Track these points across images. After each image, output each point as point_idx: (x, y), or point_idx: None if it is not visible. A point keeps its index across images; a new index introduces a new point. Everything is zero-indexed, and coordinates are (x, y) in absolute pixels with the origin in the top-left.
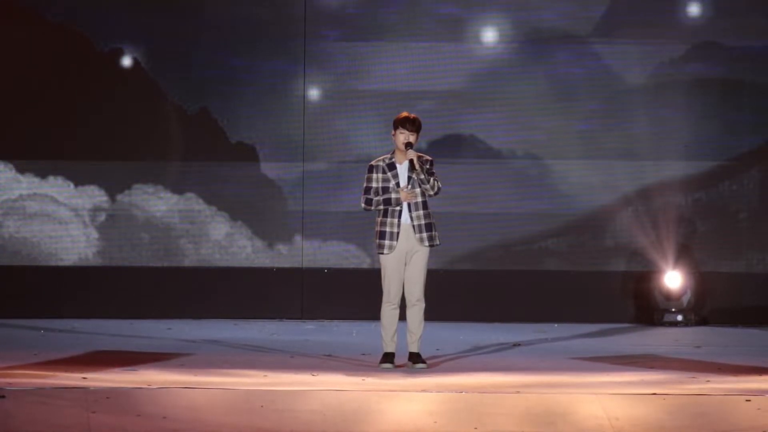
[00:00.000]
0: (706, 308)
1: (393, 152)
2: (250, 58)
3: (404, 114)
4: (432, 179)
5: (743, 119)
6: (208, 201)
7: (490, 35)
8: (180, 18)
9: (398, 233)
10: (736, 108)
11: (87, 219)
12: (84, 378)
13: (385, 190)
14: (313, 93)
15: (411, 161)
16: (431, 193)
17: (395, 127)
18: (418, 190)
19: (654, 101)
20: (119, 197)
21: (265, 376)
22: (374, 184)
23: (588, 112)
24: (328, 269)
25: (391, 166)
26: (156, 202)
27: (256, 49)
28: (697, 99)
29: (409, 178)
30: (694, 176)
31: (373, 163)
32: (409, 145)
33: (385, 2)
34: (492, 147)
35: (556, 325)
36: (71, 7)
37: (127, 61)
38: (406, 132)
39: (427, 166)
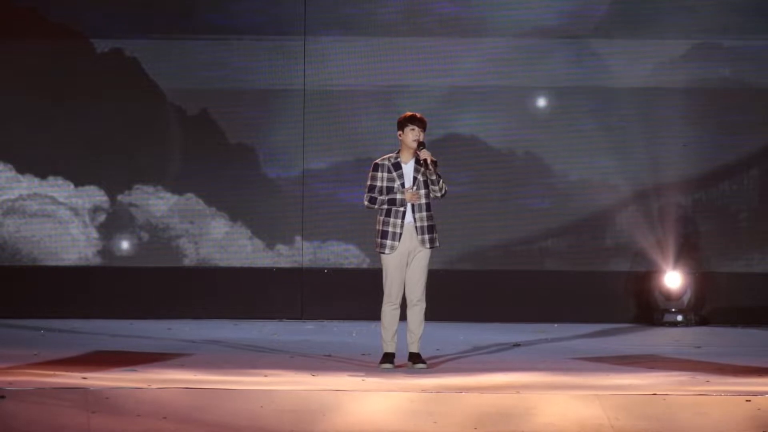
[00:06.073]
0: (706, 308)
1: (398, 151)
2: (250, 58)
3: (410, 113)
4: (441, 181)
5: (743, 119)
6: (208, 201)
7: (490, 34)
8: (180, 18)
9: (401, 234)
10: (736, 108)
11: (87, 219)
12: (84, 378)
13: (390, 189)
14: (313, 93)
15: (425, 161)
16: (438, 195)
17: (403, 126)
18: (422, 191)
19: (654, 101)
20: (119, 197)
21: (265, 376)
22: (378, 183)
23: (588, 112)
24: (328, 269)
25: (397, 166)
26: (156, 202)
27: (256, 49)
28: (697, 98)
29: (414, 178)
30: (694, 176)
31: (378, 161)
32: (421, 145)
33: (385, 1)
34: (492, 146)
35: (556, 325)
36: (71, 7)
37: (127, 61)
38: (417, 129)
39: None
